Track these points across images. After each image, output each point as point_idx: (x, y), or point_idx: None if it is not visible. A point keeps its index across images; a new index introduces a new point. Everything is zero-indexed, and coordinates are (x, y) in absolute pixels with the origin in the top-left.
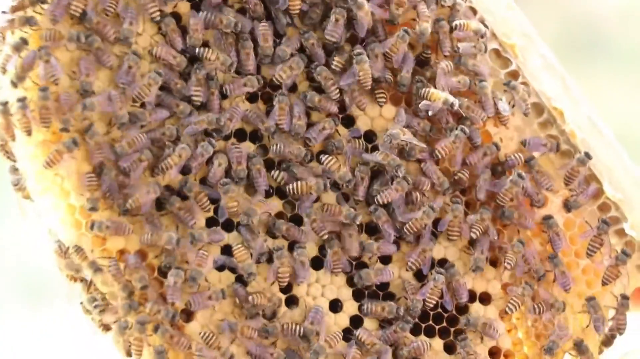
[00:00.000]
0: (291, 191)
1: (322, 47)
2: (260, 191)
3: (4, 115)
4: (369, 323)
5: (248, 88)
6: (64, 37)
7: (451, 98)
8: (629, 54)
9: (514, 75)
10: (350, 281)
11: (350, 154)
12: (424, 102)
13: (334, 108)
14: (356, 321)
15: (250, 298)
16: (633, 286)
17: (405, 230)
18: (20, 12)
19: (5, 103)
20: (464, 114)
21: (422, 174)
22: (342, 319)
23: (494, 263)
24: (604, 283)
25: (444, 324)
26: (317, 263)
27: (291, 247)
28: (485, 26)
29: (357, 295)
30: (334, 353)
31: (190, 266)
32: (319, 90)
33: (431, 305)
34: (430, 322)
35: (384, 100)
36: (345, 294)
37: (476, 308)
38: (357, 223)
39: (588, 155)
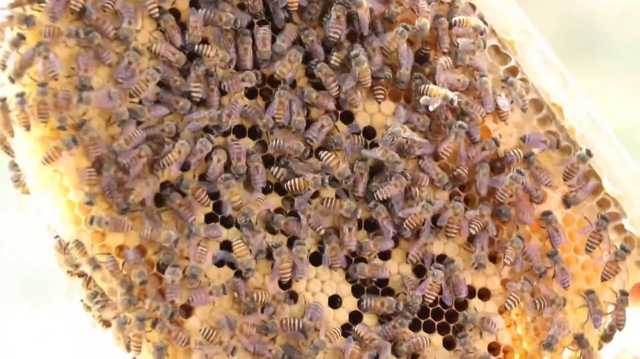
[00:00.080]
0: (289, 187)
1: (321, 43)
2: (257, 189)
3: (3, 111)
4: (368, 319)
5: (246, 83)
6: (62, 33)
7: (450, 94)
8: (627, 52)
9: (513, 71)
10: (349, 277)
11: (350, 150)
12: (424, 97)
13: (332, 105)
14: (355, 317)
15: (254, 295)
16: (632, 282)
17: (405, 225)
18: (19, 9)
19: (3, 99)
20: (463, 110)
21: (421, 170)
22: (341, 315)
23: (493, 258)
24: (603, 279)
25: (443, 319)
26: (316, 259)
27: (290, 243)
28: (485, 23)
29: (356, 291)
30: (333, 349)
31: (189, 262)
32: (318, 86)
33: (430, 301)
34: (430, 318)
35: (383, 96)
36: (345, 290)
37: (475, 303)
38: (358, 217)
39: (589, 153)
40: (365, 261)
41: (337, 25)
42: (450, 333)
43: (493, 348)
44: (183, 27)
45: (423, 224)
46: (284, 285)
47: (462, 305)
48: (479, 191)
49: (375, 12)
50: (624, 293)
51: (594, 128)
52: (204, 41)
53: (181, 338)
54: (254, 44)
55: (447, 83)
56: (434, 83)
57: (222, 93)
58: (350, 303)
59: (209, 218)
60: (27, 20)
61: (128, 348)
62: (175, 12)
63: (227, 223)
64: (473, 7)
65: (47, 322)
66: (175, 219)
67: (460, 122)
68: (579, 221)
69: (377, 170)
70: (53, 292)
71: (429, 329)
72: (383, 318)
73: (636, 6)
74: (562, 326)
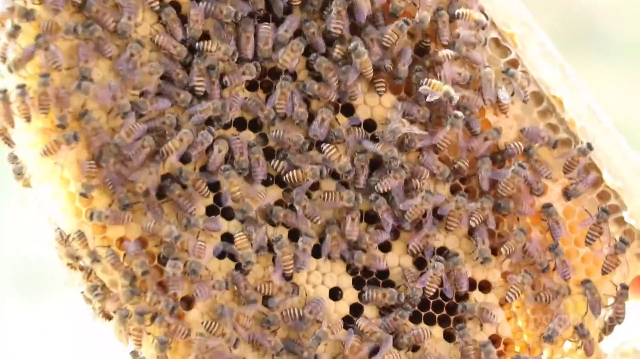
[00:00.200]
0: (288, 179)
1: (322, 36)
2: (257, 181)
3: (4, 103)
4: (369, 311)
5: (247, 76)
6: (61, 29)
7: (452, 92)
8: (626, 47)
9: (514, 63)
10: (350, 269)
11: (352, 145)
12: (424, 86)
13: (334, 95)
14: (356, 310)
15: (260, 287)
16: (633, 275)
17: (406, 217)
18: (20, 1)
19: (4, 91)
20: (461, 104)
21: (421, 164)
22: (342, 308)
23: (494, 251)
24: (603, 272)
25: (444, 312)
26: (317, 252)
27: (291, 236)
28: (485, 15)
29: (357, 283)
30: (334, 341)
31: (189, 256)
32: (318, 79)
33: (431, 293)
34: (430, 310)
35: (383, 89)
36: (345, 282)
37: (476, 296)
38: (360, 204)
39: (590, 146)
40: (364, 251)
41: (339, 20)
42: (451, 326)
43: (494, 341)
44: (184, 20)
45: (424, 216)
46: (286, 278)
47: (462, 298)
48: (481, 186)
49: (377, 4)
50: (624, 287)
51: (594, 120)
52: (205, 34)
53: (181, 330)
54: (255, 36)
55: (446, 77)
56: (435, 75)
57: (222, 86)
58: (351, 295)
59: (210, 212)
60: (28, 14)
61: (128, 342)
62: (176, 5)
63: (229, 215)
64: None
65: (46, 316)
66: (175, 211)
67: (455, 112)
68: (579, 214)
69: (377, 164)
70: (52, 286)
71: (430, 321)
72: (383, 311)
73: (635, 1)
74: (563, 318)
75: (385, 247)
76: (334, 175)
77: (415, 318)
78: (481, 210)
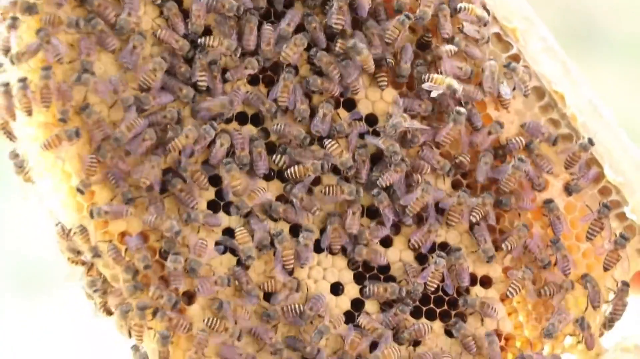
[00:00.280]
0: (290, 175)
1: (323, 30)
2: (259, 175)
3: (5, 96)
4: (370, 306)
5: (249, 70)
6: (63, 22)
7: (455, 85)
8: (625, 45)
9: (515, 58)
10: (351, 264)
11: (355, 140)
12: (427, 83)
13: (338, 89)
14: (357, 304)
15: (262, 284)
16: (633, 270)
17: (407, 211)
18: None
19: (7, 84)
20: (462, 99)
21: (422, 159)
22: (343, 302)
23: (495, 247)
24: (605, 269)
25: (445, 307)
26: (318, 247)
27: (293, 231)
28: (487, 10)
29: (358, 278)
30: (335, 336)
31: (190, 254)
32: (320, 74)
33: (432, 289)
34: (431, 305)
35: (385, 83)
36: (347, 277)
37: (477, 291)
38: (361, 197)
39: (591, 142)
40: (366, 246)
41: (340, 15)
42: (450, 321)
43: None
44: (186, 15)
45: (425, 210)
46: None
47: (463, 293)
48: (477, 179)
49: None
50: (625, 284)
51: (595, 115)
52: (207, 29)
53: (182, 325)
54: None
55: (447, 71)
56: (436, 70)
57: (224, 81)
58: (352, 290)
59: (212, 207)
60: (30, 8)
61: (130, 335)
62: None
63: (231, 211)
64: None
65: (45, 315)
66: (177, 205)
67: (458, 108)
68: (580, 209)
69: (377, 159)
70: (51, 285)
71: (431, 317)
72: (384, 305)
73: (632, 0)
74: (563, 314)
75: (386, 242)
76: (334, 170)
77: (416, 314)
78: (482, 206)
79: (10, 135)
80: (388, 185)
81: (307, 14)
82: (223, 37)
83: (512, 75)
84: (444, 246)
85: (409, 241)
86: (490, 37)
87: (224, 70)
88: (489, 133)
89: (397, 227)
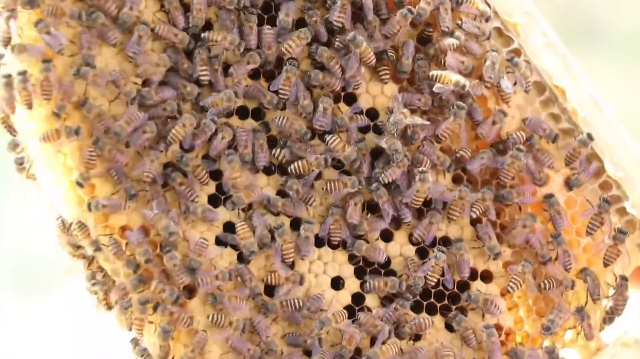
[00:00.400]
0: (293, 170)
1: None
2: (259, 167)
3: (7, 88)
4: (370, 300)
5: (251, 65)
6: (65, 13)
7: (462, 80)
8: (624, 41)
9: (516, 53)
10: (351, 259)
11: (355, 133)
12: (438, 85)
13: (339, 83)
14: (357, 299)
15: (267, 278)
16: (633, 265)
17: (412, 205)
18: None
19: (8, 76)
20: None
21: (422, 154)
22: (344, 297)
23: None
24: (605, 264)
25: (446, 302)
26: (318, 241)
27: (294, 226)
28: (488, 5)
29: (359, 273)
30: (335, 330)
31: (189, 252)
32: (322, 68)
33: (432, 283)
34: (432, 300)
35: (388, 77)
36: (347, 271)
37: (477, 286)
38: (363, 186)
39: (590, 137)
40: (367, 241)
41: (342, 13)
42: (450, 315)
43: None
44: (187, 8)
45: (426, 205)
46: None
47: (464, 287)
48: (470, 166)
49: None
50: (623, 278)
51: (595, 110)
52: (208, 23)
53: (183, 319)
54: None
55: (450, 65)
56: (437, 64)
57: (225, 75)
58: (352, 284)
59: (212, 202)
60: (32, 1)
61: (130, 329)
62: None
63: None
64: None
65: (44, 313)
66: (178, 199)
67: (459, 102)
68: (581, 204)
69: (377, 153)
70: (51, 283)
71: (431, 311)
72: (385, 300)
73: None
74: (563, 310)
75: (386, 237)
76: (334, 165)
77: (417, 308)
78: (482, 201)
79: (11, 129)
80: (391, 181)
81: (308, 8)
82: (226, 32)
83: (514, 69)
84: (445, 241)
85: (412, 235)
86: (491, 31)
87: (226, 65)
88: (493, 122)
89: (397, 222)
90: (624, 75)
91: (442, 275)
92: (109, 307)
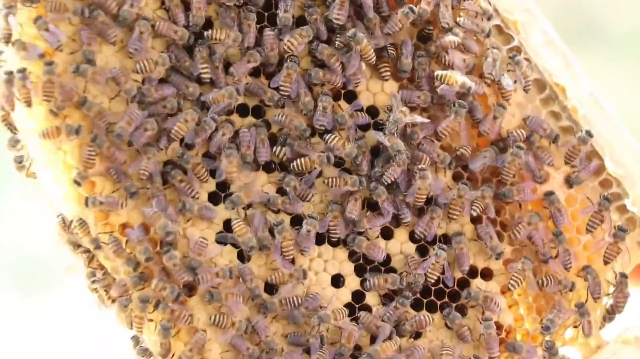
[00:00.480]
0: (295, 167)
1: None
2: (261, 162)
3: (7, 85)
4: (371, 298)
5: (252, 63)
6: (68, 9)
7: (469, 82)
8: (623, 40)
9: (516, 51)
10: (351, 256)
11: (354, 130)
12: (443, 86)
13: (340, 80)
14: (358, 296)
15: (270, 277)
16: (634, 263)
17: (415, 204)
18: None
19: (10, 72)
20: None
21: (421, 152)
22: (344, 295)
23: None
24: (605, 262)
25: (446, 299)
26: (319, 239)
27: (294, 224)
28: (489, 1)
29: (359, 270)
30: (334, 328)
31: (189, 251)
32: (322, 65)
33: (432, 281)
34: (432, 298)
35: (388, 74)
36: (347, 269)
37: (477, 283)
38: (364, 187)
39: (589, 134)
40: (368, 239)
41: (341, 11)
42: (444, 312)
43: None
44: (187, 6)
45: (427, 203)
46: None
47: (464, 285)
48: (472, 165)
49: None
50: (622, 275)
51: (596, 108)
52: (208, 20)
53: (184, 317)
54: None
55: (451, 63)
56: (438, 62)
57: (226, 72)
58: (352, 282)
59: (212, 200)
60: None
61: (131, 326)
62: None
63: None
64: None
65: (44, 312)
66: (178, 197)
67: (460, 101)
68: (581, 202)
69: (377, 150)
70: (50, 282)
71: (431, 309)
72: (385, 298)
73: None
74: (562, 310)
75: (387, 234)
76: (335, 164)
77: (417, 306)
78: (481, 199)
79: (11, 127)
80: (392, 181)
81: (308, 5)
82: (228, 29)
83: (514, 67)
84: (445, 239)
85: (414, 233)
86: (491, 29)
87: (226, 63)
88: (494, 117)
89: (397, 220)
90: (624, 74)
91: (443, 272)
92: (113, 301)
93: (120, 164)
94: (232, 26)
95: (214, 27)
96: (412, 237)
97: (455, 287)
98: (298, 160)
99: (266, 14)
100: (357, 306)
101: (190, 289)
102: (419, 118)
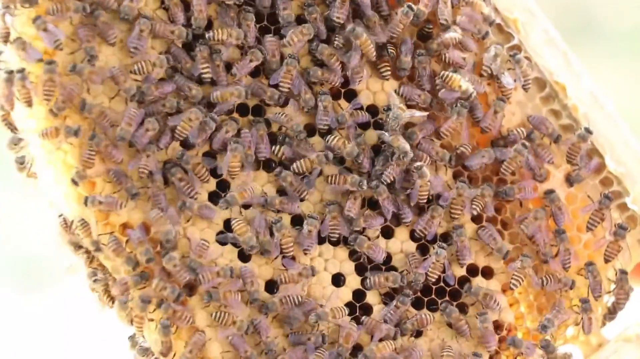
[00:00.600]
0: (295, 169)
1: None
2: (260, 158)
3: (7, 84)
4: (371, 297)
5: (254, 62)
6: (70, 8)
7: (471, 89)
8: (623, 38)
9: (517, 50)
10: (352, 255)
11: (354, 129)
12: (444, 91)
13: (339, 79)
14: (358, 295)
15: (280, 277)
16: (635, 261)
17: (419, 202)
18: None
19: (10, 72)
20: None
21: (420, 150)
22: (345, 294)
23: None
24: (606, 260)
25: (447, 298)
26: (320, 238)
27: (294, 222)
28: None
29: (360, 269)
30: (334, 327)
31: (190, 252)
32: (321, 65)
33: (433, 279)
34: (433, 296)
35: (389, 73)
36: (348, 268)
37: (478, 282)
38: (364, 188)
39: (588, 131)
40: (369, 238)
41: (342, 10)
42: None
43: (496, 327)
44: (187, 5)
45: (427, 202)
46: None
47: (464, 284)
48: (469, 162)
49: None
50: (623, 272)
51: (596, 106)
52: (208, 21)
53: (186, 317)
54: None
55: (452, 61)
56: (439, 60)
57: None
58: (353, 281)
59: (212, 200)
60: (30, 0)
61: (131, 323)
62: None
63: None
64: None
65: (44, 312)
66: (178, 196)
67: (461, 101)
68: (582, 200)
69: (377, 149)
70: (51, 281)
71: (433, 308)
72: (386, 297)
73: None
74: (562, 310)
75: (388, 233)
76: (335, 162)
77: (418, 305)
78: (481, 197)
79: (11, 127)
80: (392, 180)
81: (308, 5)
82: (229, 28)
83: (514, 66)
84: (445, 237)
85: (414, 231)
86: (489, 31)
87: (226, 63)
88: (495, 112)
89: (398, 218)
90: (623, 72)
91: (443, 271)
92: (113, 301)
93: (119, 164)
94: (232, 25)
95: (214, 27)
96: (413, 236)
97: (456, 286)
98: (297, 162)
99: (266, 14)
100: (357, 305)
101: (190, 289)
102: (417, 113)
